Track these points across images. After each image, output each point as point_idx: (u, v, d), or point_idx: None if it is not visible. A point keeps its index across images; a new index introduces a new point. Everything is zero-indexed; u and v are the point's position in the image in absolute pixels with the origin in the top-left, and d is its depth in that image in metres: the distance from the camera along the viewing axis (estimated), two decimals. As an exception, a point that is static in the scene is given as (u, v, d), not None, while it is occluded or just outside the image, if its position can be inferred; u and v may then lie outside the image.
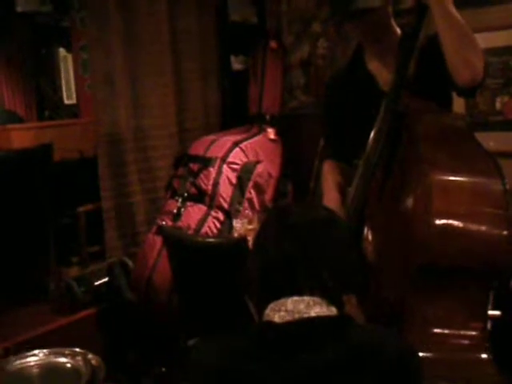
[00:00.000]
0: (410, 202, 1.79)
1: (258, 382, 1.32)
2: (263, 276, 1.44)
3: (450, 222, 1.68)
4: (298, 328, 1.35)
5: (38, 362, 2.06)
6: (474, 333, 1.73)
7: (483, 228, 1.70)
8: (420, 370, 1.37)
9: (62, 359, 2.05)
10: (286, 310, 1.36)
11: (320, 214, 1.52)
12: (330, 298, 1.40)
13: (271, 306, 1.39)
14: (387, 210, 1.98)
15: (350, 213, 2.07)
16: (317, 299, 1.38)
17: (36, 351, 2.09)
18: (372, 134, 2.01)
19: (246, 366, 1.33)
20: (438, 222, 1.67)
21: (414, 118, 1.94)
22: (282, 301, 1.38)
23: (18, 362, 2.06)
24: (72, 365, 2.02)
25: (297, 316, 1.35)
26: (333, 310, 1.39)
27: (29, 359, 2.07)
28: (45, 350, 2.10)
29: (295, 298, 1.37)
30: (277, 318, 1.36)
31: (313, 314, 1.36)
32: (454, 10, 1.87)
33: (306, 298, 1.37)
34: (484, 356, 1.71)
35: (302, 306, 1.36)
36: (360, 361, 1.31)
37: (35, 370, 2.04)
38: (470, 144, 1.85)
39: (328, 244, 1.44)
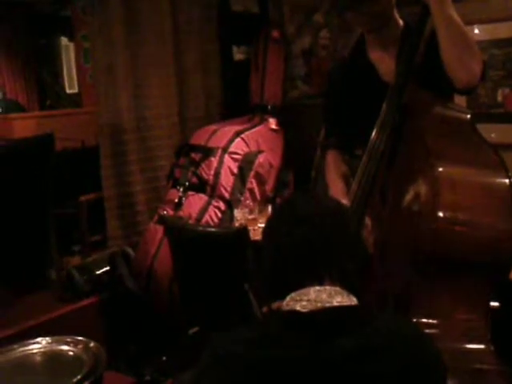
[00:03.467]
0: (416, 194, 1.79)
1: (295, 368, 1.30)
2: (276, 266, 1.43)
3: (457, 214, 1.69)
4: (327, 316, 1.34)
5: (40, 350, 2.07)
6: (476, 323, 1.75)
7: (490, 221, 1.71)
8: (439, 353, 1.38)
9: (65, 347, 2.05)
10: (308, 300, 1.35)
11: (329, 202, 1.52)
12: (350, 285, 1.39)
13: (292, 295, 1.37)
14: (391, 202, 1.99)
15: (353, 204, 2.07)
16: (338, 289, 1.37)
17: (39, 339, 2.10)
18: (376, 127, 2.01)
19: (278, 354, 1.31)
20: (445, 214, 1.67)
21: (419, 110, 1.94)
22: (303, 290, 1.36)
23: (21, 349, 2.06)
24: (74, 353, 2.02)
25: (319, 305, 1.34)
26: (353, 300, 1.38)
27: (31, 347, 2.07)
28: (47, 338, 2.10)
29: (317, 287, 1.36)
30: (299, 307, 1.35)
31: (335, 303, 1.35)
32: (453, 12, 1.87)
33: (328, 288, 1.36)
34: (486, 347, 1.73)
35: (324, 296, 1.35)
36: (388, 346, 1.32)
37: (38, 358, 2.04)
38: (474, 137, 1.85)
39: (342, 230, 1.43)
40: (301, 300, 1.36)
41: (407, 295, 1.82)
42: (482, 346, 1.73)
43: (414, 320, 1.75)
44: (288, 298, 1.37)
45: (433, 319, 1.75)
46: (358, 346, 1.30)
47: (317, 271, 1.39)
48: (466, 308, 1.76)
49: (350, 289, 1.39)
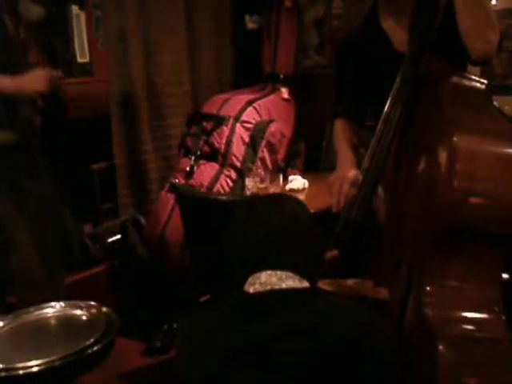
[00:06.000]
0: (432, 163, 1.79)
1: (227, 343, 1.44)
2: (235, 261, 1.55)
3: (474, 184, 1.68)
4: (265, 298, 1.46)
5: (54, 314, 2.09)
6: (489, 294, 1.76)
7: (506, 192, 1.70)
8: (380, 350, 1.41)
9: (78, 311, 2.08)
10: (260, 283, 1.47)
11: (288, 206, 1.60)
12: (304, 274, 1.51)
13: (249, 280, 1.49)
14: (405, 171, 1.99)
15: (366, 173, 2.06)
16: (290, 274, 1.48)
17: (53, 303, 2.12)
18: (390, 97, 2.00)
19: (218, 331, 1.47)
20: (461, 184, 1.67)
21: (435, 80, 1.93)
22: (257, 275, 1.48)
23: (36, 313, 2.09)
24: (87, 317, 2.05)
25: (268, 287, 1.46)
26: (305, 284, 1.50)
27: (46, 311, 2.11)
28: (61, 303, 2.13)
29: (269, 271, 1.48)
30: (251, 291, 1.47)
31: (284, 286, 1.46)
32: None
33: (279, 273, 1.48)
34: (499, 317, 1.74)
35: (274, 279, 1.47)
36: (317, 326, 1.40)
37: (52, 321, 2.07)
38: (491, 107, 1.85)
39: (296, 234, 1.53)
40: (254, 284, 1.48)
41: (420, 265, 1.83)
42: (494, 316, 1.74)
43: (427, 289, 1.77)
44: (246, 283, 1.49)
45: (445, 289, 1.76)
46: (289, 324, 1.40)
47: (270, 261, 1.50)
48: (479, 278, 1.77)
49: (304, 275, 1.50)
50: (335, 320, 1.42)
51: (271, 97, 4.08)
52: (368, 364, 1.38)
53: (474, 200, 1.68)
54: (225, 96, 4.04)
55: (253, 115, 3.85)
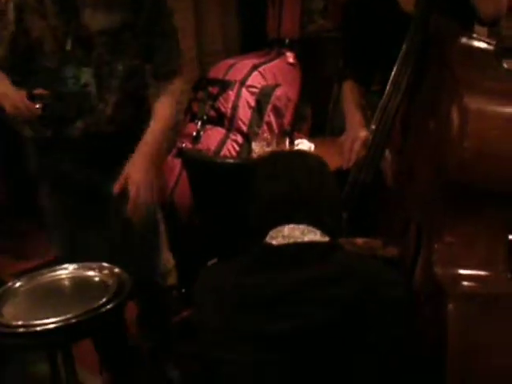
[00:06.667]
0: (442, 124, 1.79)
1: (253, 294, 1.47)
2: (259, 215, 1.60)
3: (485, 144, 1.70)
4: (290, 249, 1.50)
5: (68, 275, 2.14)
6: (495, 251, 1.79)
7: None
8: (399, 302, 1.49)
9: (91, 272, 2.13)
10: (283, 236, 1.51)
11: (311, 161, 1.63)
12: (327, 231, 1.55)
13: (270, 233, 1.53)
14: (415, 133, 2.01)
15: (375, 136, 2.08)
16: (312, 228, 1.52)
17: (66, 265, 2.17)
18: (399, 60, 2.00)
19: (243, 281, 1.50)
20: (472, 144, 1.69)
21: (444, 41, 1.94)
22: (280, 228, 1.52)
23: (50, 274, 2.14)
24: (100, 278, 2.10)
25: (291, 241, 1.50)
26: (326, 238, 1.54)
27: (59, 272, 2.15)
28: (74, 265, 2.17)
29: (292, 225, 1.52)
30: (274, 243, 1.52)
31: (306, 239, 1.50)
32: None
33: (302, 226, 1.52)
34: (504, 275, 1.78)
35: (297, 233, 1.51)
36: (339, 277, 1.45)
37: (66, 283, 2.12)
38: (501, 68, 1.87)
39: (320, 188, 1.57)
40: (277, 237, 1.52)
41: (429, 224, 1.86)
42: (500, 274, 1.78)
43: (436, 247, 1.80)
44: (268, 236, 1.53)
45: (453, 247, 1.79)
46: (311, 275, 1.45)
47: (294, 218, 1.53)
48: (487, 236, 1.79)
49: (327, 232, 1.54)
50: (356, 272, 1.47)
51: (277, 61, 4.06)
52: (388, 315, 1.44)
53: (484, 160, 1.70)
54: (230, 61, 4.02)
55: (258, 80, 3.84)
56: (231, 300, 1.49)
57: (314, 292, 1.43)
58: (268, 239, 1.53)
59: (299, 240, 1.50)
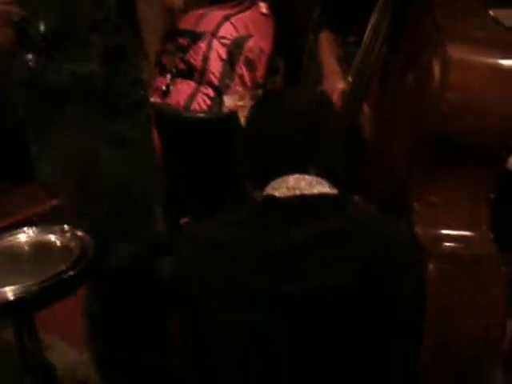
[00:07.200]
0: (423, 75, 1.72)
1: (263, 249, 1.31)
2: (259, 159, 1.41)
3: (467, 96, 1.63)
4: (301, 202, 1.33)
5: (28, 240, 2.06)
6: (477, 211, 1.75)
7: (498, 103, 1.65)
8: (413, 262, 1.38)
9: (52, 236, 2.05)
10: (287, 187, 1.34)
11: (317, 99, 1.49)
12: (334, 180, 1.38)
13: (271, 184, 1.36)
14: (394, 86, 1.94)
15: (352, 89, 2.01)
16: (319, 179, 1.36)
17: (25, 228, 2.08)
18: (378, 6, 1.91)
19: (246, 234, 1.32)
20: (454, 95, 1.62)
21: None
22: (283, 178, 1.35)
23: (9, 238, 2.05)
24: (62, 242, 2.03)
25: (298, 193, 1.33)
26: (335, 191, 1.37)
27: (19, 236, 2.06)
28: (34, 228, 2.08)
29: (297, 175, 1.35)
30: (277, 194, 1.34)
31: (315, 191, 1.34)
32: None
33: (308, 177, 1.35)
34: (486, 235, 1.75)
35: (303, 184, 1.34)
36: (354, 233, 1.32)
37: (26, 247, 2.04)
38: (486, 17, 1.79)
39: (328, 129, 1.41)
40: (280, 188, 1.35)
41: (409, 182, 1.79)
42: (481, 234, 1.74)
43: (417, 207, 1.74)
44: (268, 187, 1.36)
45: (434, 207, 1.74)
46: (326, 230, 1.30)
47: (300, 166, 1.37)
48: (469, 196, 1.74)
49: (334, 183, 1.38)
50: (374, 230, 1.35)
51: (249, 11, 3.93)
52: (406, 276, 1.34)
53: (466, 112, 1.63)
54: (201, 11, 3.89)
55: (230, 31, 3.72)
56: (233, 255, 1.32)
57: (333, 248, 1.29)
58: (269, 190, 1.36)
59: (306, 192, 1.33)
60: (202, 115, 3.33)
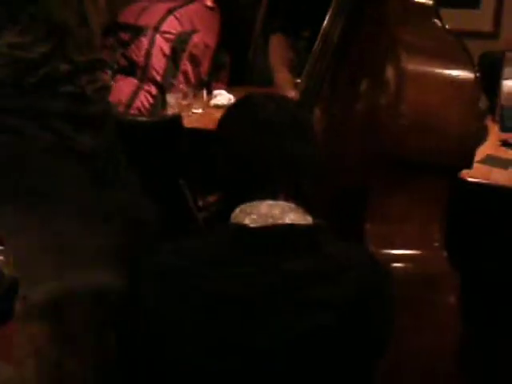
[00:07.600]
0: (377, 87, 1.65)
1: (240, 289, 1.22)
2: (230, 172, 1.33)
3: (422, 113, 1.57)
4: (276, 234, 1.25)
5: None
6: (431, 228, 1.70)
7: (454, 122, 1.59)
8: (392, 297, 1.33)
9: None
10: (259, 215, 1.26)
11: (291, 109, 1.39)
12: (305, 203, 1.31)
13: (242, 207, 1.28)
14: (344, 94, 1.87)
15: (303, 93, 1.97)
16: (292, 205, 1.28)
17: None
18: (330, 11, 1.84)
19: (223, 273, 1.23)
20: (409, 109, 1.55)
21: None
22: (255, 203, 1.27)
23: None
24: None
25: (270, 221, 1.26)
26: (308, 219, 1.30)
27: None
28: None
29: (270, 201, 1.27)
30: (247, 221, 1.26)
31: (287, 220, 1.26)
32: None
33: (282, 203, 1.28)
34: (440, 252, 1.69)
35: (276, 212, 1.26)
36: (336, 271, 1.25)
37: None
38: (439, 27, 1.73)
39: (304, 141, 1.33)
40: (251, 213, 1.26)
41: (360, 199, 1.72)
42: (434, 251, 1.69)
43: (368, 226, 1.67)
44: (238, 210, 1.28)
45: (387, 225, 1.68)
46: (307, 270, 1.23)
47: (273, 183, 1.29)
48: (422, 213, 1.69)
49: (305, 207, 1.30)
50: (353, 266, 1.27)
51: (194, 4, 3.80)
52: (387, 310, 1.30)
53: (421, 128, 1.57)
54: (143, 4, 3.76)
55: (174, 25, 3.60)
56: (204, 299, 1.22)
57: (313, 291, 1.22)
58: (239, 214, 1.28)
59: (279, 221, 1.26)
60: (143, 119, 3.19)
